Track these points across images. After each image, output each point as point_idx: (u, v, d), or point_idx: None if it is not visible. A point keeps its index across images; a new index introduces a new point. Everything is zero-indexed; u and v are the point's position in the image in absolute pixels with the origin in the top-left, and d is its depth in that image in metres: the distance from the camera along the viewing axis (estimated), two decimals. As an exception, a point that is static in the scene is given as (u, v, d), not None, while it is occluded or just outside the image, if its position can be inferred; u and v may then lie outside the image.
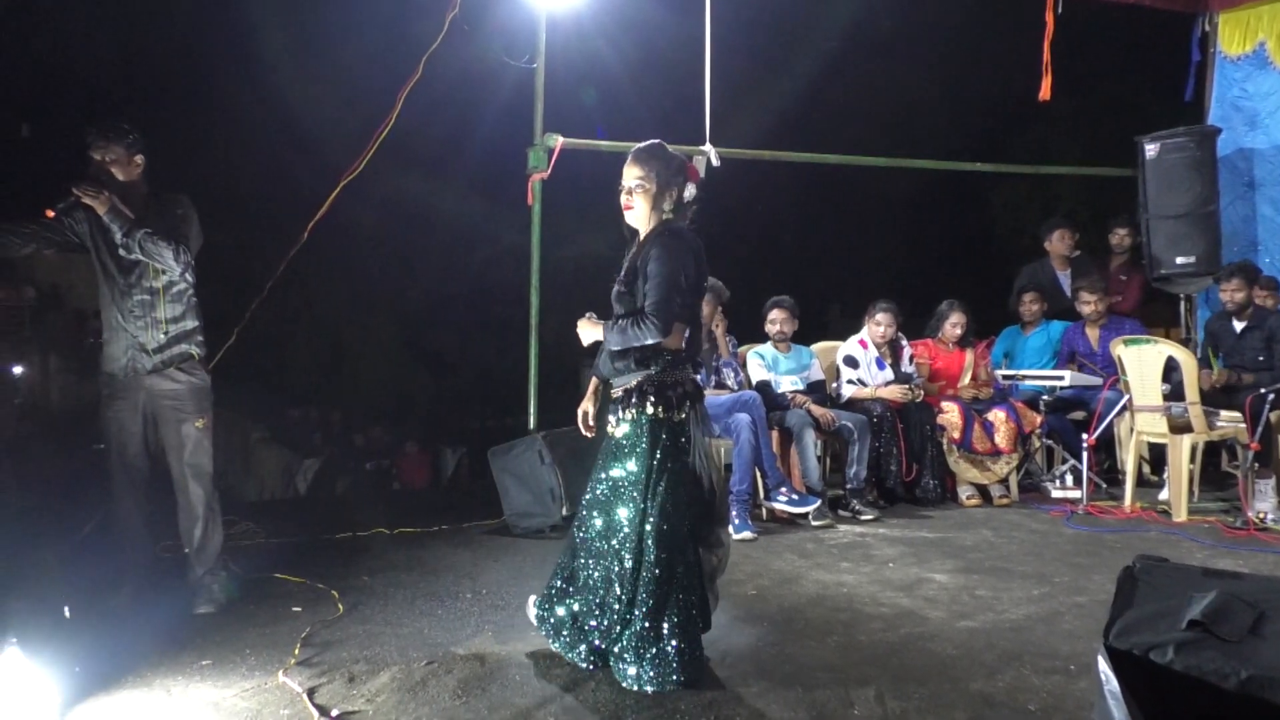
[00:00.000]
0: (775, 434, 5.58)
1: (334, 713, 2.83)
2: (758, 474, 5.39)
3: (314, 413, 14.13)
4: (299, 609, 3.85)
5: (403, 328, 14.66)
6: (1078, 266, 7.21)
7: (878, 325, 6.08)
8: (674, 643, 2.98)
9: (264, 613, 3.81)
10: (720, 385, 5.67)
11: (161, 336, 3.86)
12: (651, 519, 3.07)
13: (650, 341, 3.09)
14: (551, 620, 3.25)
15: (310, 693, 2.97)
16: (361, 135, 5.87)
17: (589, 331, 3.26)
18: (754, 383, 5.87)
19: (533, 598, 3.42)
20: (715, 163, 6.39)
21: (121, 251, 3.76)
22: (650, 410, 3.12)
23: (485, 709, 2.84)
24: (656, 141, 3.29)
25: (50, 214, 3.75)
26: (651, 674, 2.95)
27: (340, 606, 3.86)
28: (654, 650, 2.97)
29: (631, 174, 3.20)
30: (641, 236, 3.23)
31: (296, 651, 3.34)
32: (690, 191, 3.24)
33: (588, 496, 3.26)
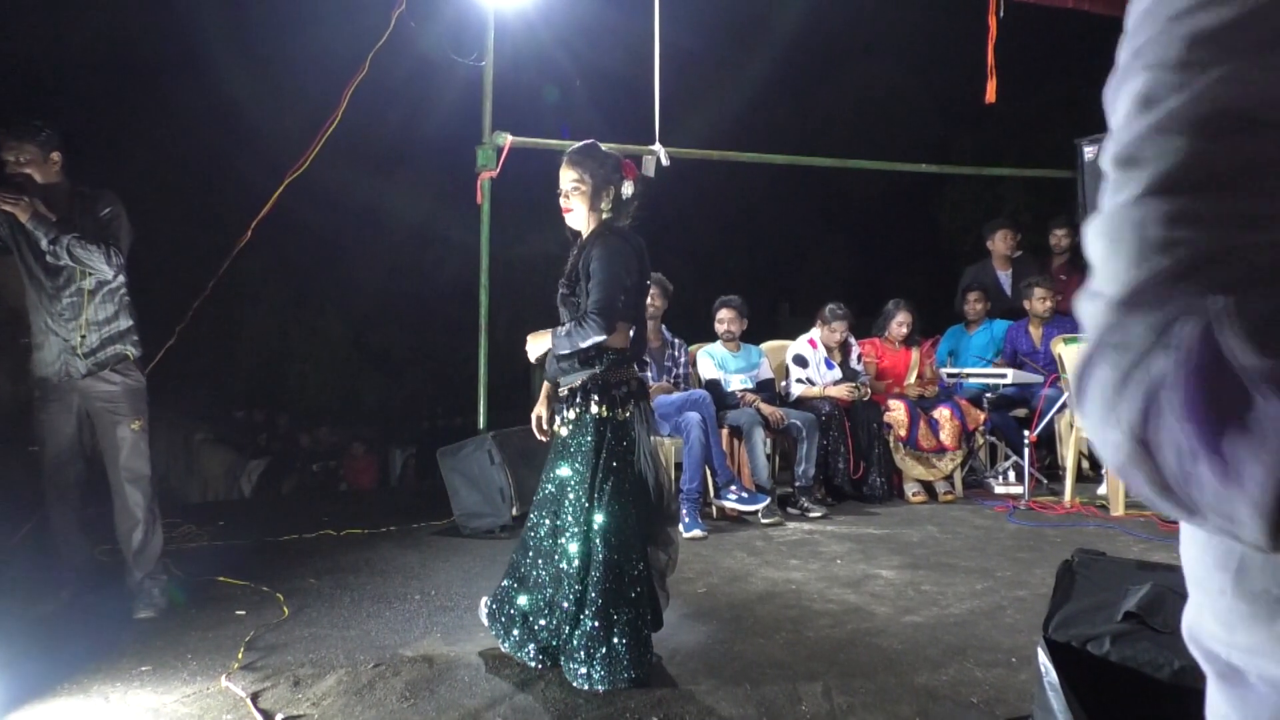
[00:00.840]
0: (724, 432, 5.61)
1: (278, 717, 2.78)
2: (708, 472, 5.41)
3: (259, 413, 13.91)
4: (243, 612, 3.79)
5: (350, 327, 14.49)
6: (1019, 267, 7.35)
7: (833, 332, 6.13)
8: (624, 641, 2.99)
9: (206, 617, 3.74)
10: (674, 382, 5.69)
11: (94, 339, 3.74)
12: (599, 518, 3.07)
13: (595, 340, 3.10)
14: (501, 619, 3.23)
15: (254, 697, 2.92)
16: (307, 132, 5.79)
17: (537, 344, 3.25)
18: (704, 381, 5.90)
19: (485, 598, 3.40)
20: (665, 162, 6.41)
21: (49, 258, 3.62)
22: (594, 409, 3.13)
23: (433, 711, 2.82)
24: (590, 141, 3.30)
25: None
26: (602, 673, 2.95)
27: (285, 609, 3.81)
28: (604, 649, 2.97)
29: (567, 176, 3.21)
30: (583, 237, 3.23)
31: (240, 656, 3.28)
32: (629, 189, 3.24)
33: (538, 496, 3.26)
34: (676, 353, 5.83)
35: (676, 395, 5.48)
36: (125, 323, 3.83)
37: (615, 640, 2.98)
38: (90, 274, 3.71)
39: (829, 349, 6.18)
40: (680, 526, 4.91)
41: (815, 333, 6.22)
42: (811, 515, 5.53)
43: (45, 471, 3.83)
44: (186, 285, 5.75)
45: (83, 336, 3.72)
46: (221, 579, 4.23)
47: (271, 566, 4.45)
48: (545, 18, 6.71)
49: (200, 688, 3.02)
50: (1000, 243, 7.38)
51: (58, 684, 3.04)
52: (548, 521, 3.18)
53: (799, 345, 6.24)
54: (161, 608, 3.79)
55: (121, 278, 3.78)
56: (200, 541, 4.98)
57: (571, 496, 3.12)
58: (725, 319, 5.97)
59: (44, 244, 3.57)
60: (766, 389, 6.00)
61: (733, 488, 5.37)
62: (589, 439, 3.12)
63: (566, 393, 3.20)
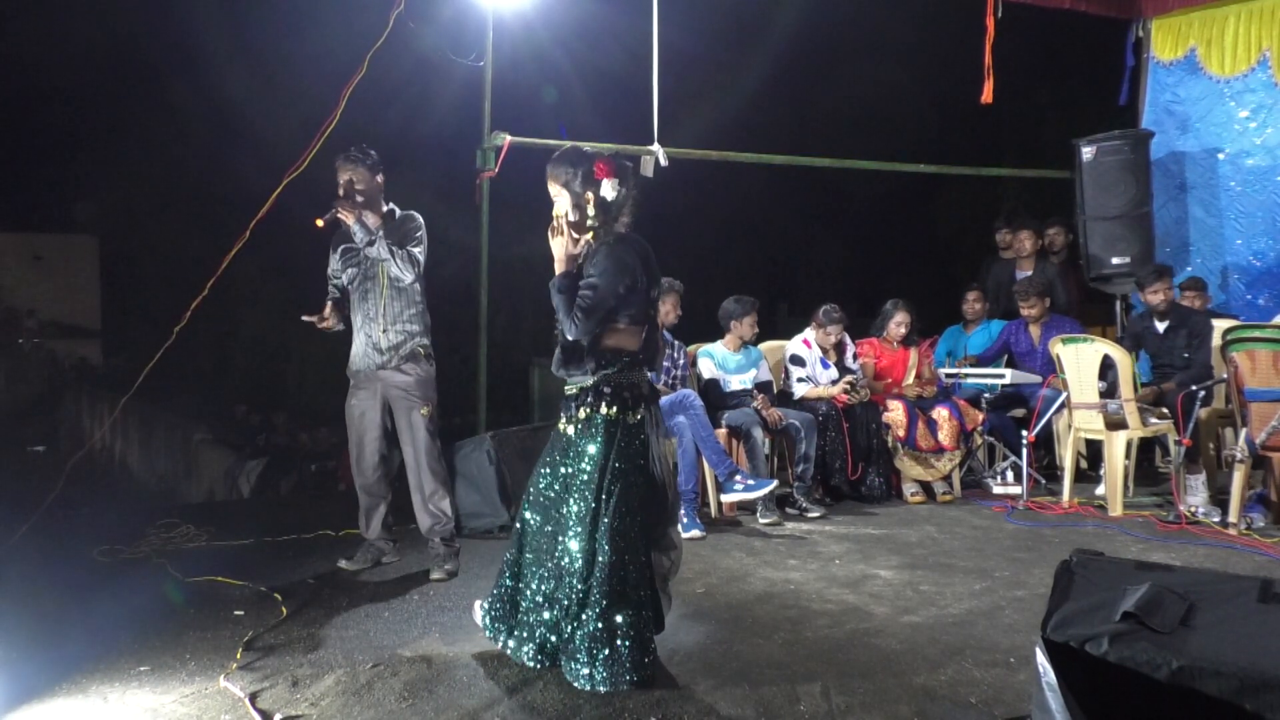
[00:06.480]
0: (723, 432, 5.60)
1: (277, 717, 2.79)
2: (705, 472, 5.40)
3: (256, 415, 13.90)
4: (241, 612, 3.79)
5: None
6: (1039, 265, 7.28)
7: (828, 336, 6.12)
8: (627, 643, 2.99)
9: (205, 616, 3.74)
10: (671, 384, 5.68)
11: (392, 334, 4.31)
12: (605, 519, 3.06)
13: (569, 337, 3.11)
14: (499, 621, 3.23)
15: (253, 697, 2.93)
16: (305, 132, 5.77)
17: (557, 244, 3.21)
18: (703, 382, 5.90)
19: (479, 601, 3.40)
20: (664, 162, 6.42)
21: (367, 251, 4.23)
22: (605, 410, 3.12)
23: (432, 711, 2.82)
24: (567, 147, 3.30)
25: (320, 223, 4.25)
26: (604, 674, 2.95)
27: (284, 610, 3.80)
28: (606, 651, 2.97)
29: (550, 189, 3.22)
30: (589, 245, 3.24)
31: (238, 656, 3.28)
32: (610, 190, 3.17)
33: (531, 495, 3.25)
34: (675, 354, 5.82)
35: (665, 398, 5.42)
36: (419, 323, 4.38)
37: (619, 642, 2.98)
38: (388, 278, 4.29)
39: (824, 350, 6.18)
40: (679, 527, 4.90)
41: (810, 333, 6.21)
42: (810, 515, 5.53)
43: (351, 451, 4.47)
44: (185, 285, 5.74)
45: (383, 331, 4.31)
46: (220, 579, 4.22)
47: (270, 567, 4.45)
48: (544, 18, 6.72)
49: (199, 688, 3.02)
50: (1027, 242, 7.26)
51: (56, 684, 3.04)
52: (548, 521, 3.17)
53: (794, 345, 6.23)
54: (452, 573, 4.28)
55: (417, 284, 4.36)
56: (199, 541, 4.97)
57: (577, 496, 3.11)
58: (751, 323, 5.91)
59: (360, 241, 4.21)
60: (765, 390, 5.99)
61: (737, 478, 5.27)
62: (599, 440, 3.11)
63: (576, 391, 3.18)
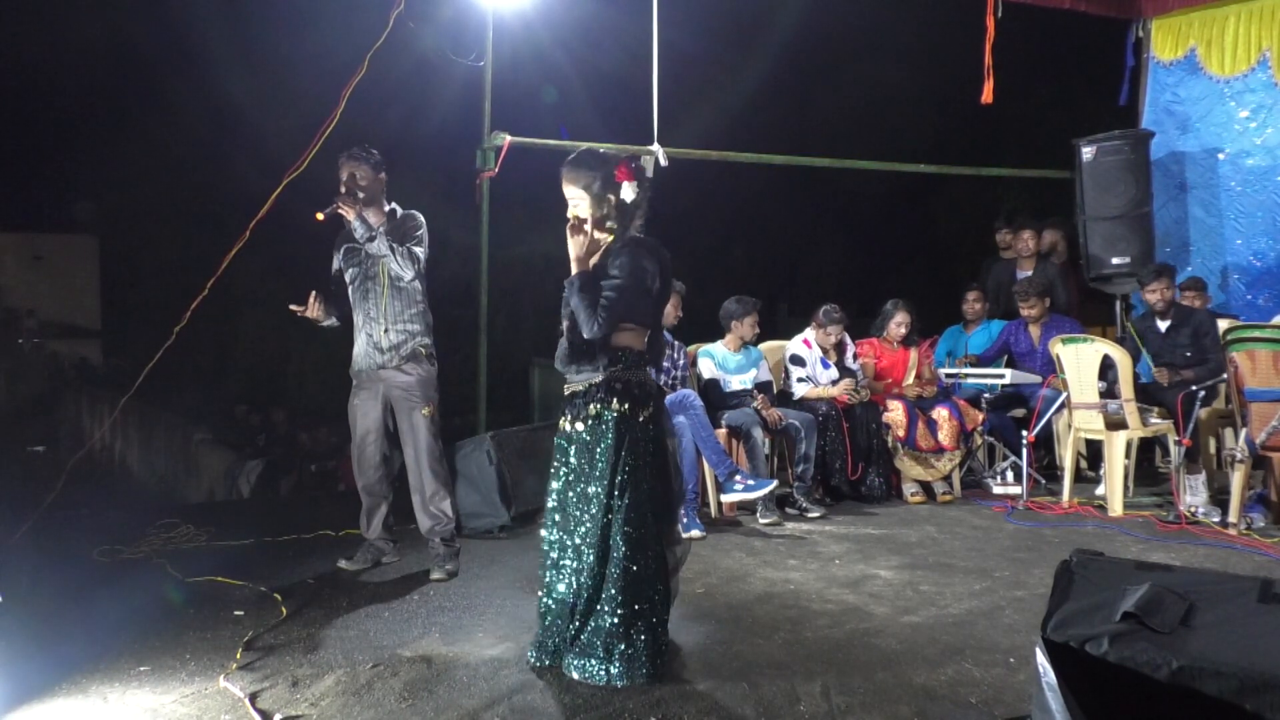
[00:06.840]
0: (723, 433, 5.61)
1: (277, 717, 2.79)
2: (705, 472, 5.40)
3: (256, 415, 13.89)
4: (241, 612, 3.79)
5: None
6: (1041, 265, 7.28)
7: (828, 335, 6.12)
8: (643, 637, 3.01)
9: (205, 616, 3.74)
10: (672, 384, 5.68)
11: (394, 334, 4.30)
12: (618, 517, 3.06)
13: (586, 335, 3.10)
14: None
15: (252, 698, 2.93)
16: (306, 132, 5.77)
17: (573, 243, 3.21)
18: (703, 382, 5.90)
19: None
20: (664, 163, 6.42)
21: (368, 247, 4.21)
22: (616, 407, 3.12)
23: (431, 711, 2.82)
24: (585, 149, 3.29)
25: (320, 216, 4.22)
26: (621, 669, 2.96)
27: (283, 610, 3.80)
28: (623, 646, 2.98)
29: (569, 192, 3.21)
30: (605, 246, 3.24)
31: (238, 656, 3.28)
32: (629, 193, 3.19)
33: (547, 510, 3.25)
34: (675, 354, 5.82)
35: (665, 398, 5.43)
36: (420, 322, 4.36)
37: (635, 637, 3.00)
38: (389, 276, 4.28)
39: (824, 350, 6.18)
40: (679, 527, 4.89)
41: (810, 333, 6.21)
42: (810, 515, 5.53)
43: (353, 451, 4.49)
44: (185, 285, 5.74)
45: (384, 331, 4.29)
46: (220, 579, 4.22)
47: (269, 567, 4.45)
48: (544, 18, 6.72)
49: (199, 688, 3.02)
50: (1030, 241, 7.25)
51: (56, 684, 3.04)
52: (560, 519, 3.17)
53: (795, 345, 6.23)
54: (452, 573, 4.26)
55: (418, 283, 4.34)
56: (199, 541, 4.98)
57: (588, 494, 3.11)
58: (752, 323, 5.91)
59: (360, 237, 4.20)
60: (765, 390, 5.99)
61: (738, 478, 5.28)
62: (609, 438, 3.10)
63: (584, 389, 3.18)
